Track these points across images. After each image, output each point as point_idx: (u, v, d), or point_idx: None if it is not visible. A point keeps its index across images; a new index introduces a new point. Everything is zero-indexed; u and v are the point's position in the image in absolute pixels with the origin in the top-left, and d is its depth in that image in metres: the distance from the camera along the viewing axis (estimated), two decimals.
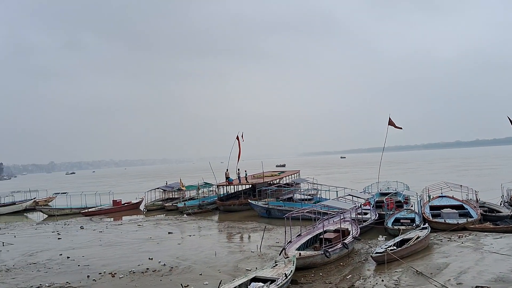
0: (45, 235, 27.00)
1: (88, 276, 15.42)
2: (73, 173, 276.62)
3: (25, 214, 42.74)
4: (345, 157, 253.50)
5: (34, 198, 47.24)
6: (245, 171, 37.63)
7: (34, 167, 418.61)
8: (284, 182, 40.07)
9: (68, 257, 19.00)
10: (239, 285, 12.35)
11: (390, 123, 32.11)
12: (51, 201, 47.34)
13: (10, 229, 30.11)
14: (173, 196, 42.45)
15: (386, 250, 15.59)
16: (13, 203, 46.27)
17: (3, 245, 23.12)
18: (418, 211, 23.70)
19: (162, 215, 34.52)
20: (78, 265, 17.40)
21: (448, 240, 18.39)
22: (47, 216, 38.48)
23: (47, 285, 14.52)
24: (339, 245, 16.85)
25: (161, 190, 42.99)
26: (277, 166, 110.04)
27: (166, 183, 45.61)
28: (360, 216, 23.18)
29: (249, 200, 32.36)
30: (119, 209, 38.19)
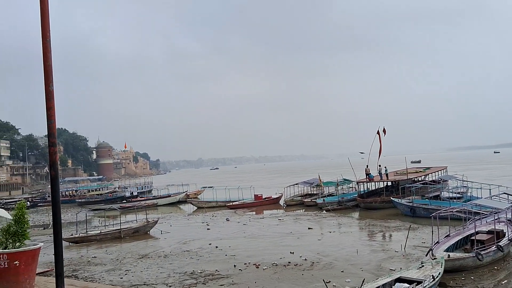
0: (195, 225, 29.28)
1: (234, 266, 16.27)
2: (217, 168, 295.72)
3: (178, 205, 46.97)
4: (499, 152, 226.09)
5: (186, 191, 51.56)
6: (385, 167, 36.29)
7: (185, 163, 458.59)
8: (430, 179, 37.69)
9: (216, 247, 20.29)
10: (382, 285, 11.92)
11: None
12: (199, 194, 51.16)
13: (166, 219, 33.28)
14: (312, 192, 42.74)
15: None
16: (169, 195, 51.21)
17: (161, 233, 25.65)
18: None
19: (301, 211, 35.02)
20: (225, 255, 18.47)
21: None
22: (196, 208, 41.71)
23: (199, 271, 15.68)
24: (493, 248, 15.30)
25: (300, 185, 43.53)
26: (412, 162, 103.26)
27: (319, 176, 45.58)
28: None
29: (391, 198, 31.12)
30: (260, 203, 39.72)
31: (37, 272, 8.01)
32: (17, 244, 7.36)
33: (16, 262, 7.12)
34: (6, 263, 7.07)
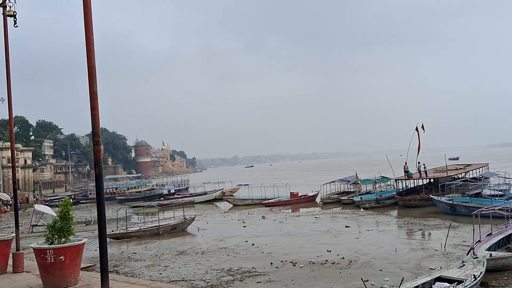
0: (232, 222, 29.52)
1: (271, 263, 16.29)
2: (252, 166, 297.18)
3: (214, 203, 47.42)
4: None
5: (222, 189, 52.00)
6: (424, 164, 35.46)
7: (220, 161, 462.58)
8: (471, 176, 36.63)
9: (252, 244, 20.39)
10: (422, 284, 11.70)
11: None
12: (235, 192, 51.43)
13: (203, 216, 33.68)
14: (349, 190, 42.27)
15: None
16: (205, 193, 51.81)
17: (198, 230, 25.99)
18: None
19: (338, 209, 34.70)
20: (262, 252, 18.54)
21: None
22: (232, 205, 41.99)
23: (236, 268, 15.81)
24: None
25: (336, 183, 43.11)
26: (449, 159, 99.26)
27: (356, 174, 44.86)
28: None
29: (431, 196, 30.42)
30: (296, 201, 39.58)
31: (81, 267, 8.29)
32: (63, 239, 7.64)
33: (62, 257, 7.40)
34: (52, 258, 7.36)
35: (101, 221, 4.47)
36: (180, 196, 54.66)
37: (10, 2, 9.53)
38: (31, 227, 28.91)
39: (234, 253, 18.80)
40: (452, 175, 35.32)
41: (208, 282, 14.13)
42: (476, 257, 13.69)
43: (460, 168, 40.16)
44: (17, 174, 11.09)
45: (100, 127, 4.80)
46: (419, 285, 11.59)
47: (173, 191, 62.01)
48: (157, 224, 26.09)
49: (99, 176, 4.53)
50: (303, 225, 26.32)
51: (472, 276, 11.66)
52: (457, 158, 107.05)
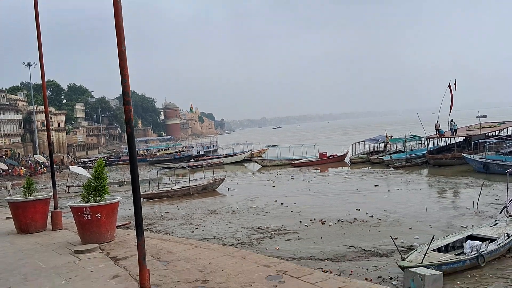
0: (261, 183, 29.83)
1: (300, 222, 16.47)
2: (279, 127, 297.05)
3: (243, 164, 47.87)
4: None
5: (251, 150, 52.29)
6: (454, 122, 34.59)
7: (249, 122, 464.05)
8: (506, 134, 35.65)
9: (282, 204, 20.61)
10: (453, 242, 11.66)
11: None
12: (264, 152, 51.67)
13: (232, 177, 34.13)
14: (378, 149, 41.87)
15: None
16: (234, 154, 52.27)
17: (228, 191, 26.39)
18: None
19: (367, 168, 34.53)
20: (291, 211, 18.73)
21: None
22: (261, 166, 42.32)
23: (266, 227, 16.07)
24: None
25: (366, 143, 42.67)
26: (477, 117, 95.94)
27: (385, 133, 44.01)
28: None
29: (463, 154, 29.86)
30: (325, 161, 39.56)
31: (116, 225, 8.58)
32: (98, 198, 7.90)
33: (98, 214, 7.68)
34: (89, 215, 7.65)
35: (135, 178, 4.55)
36: (209, 157, 55.34)
37: None
38: (67, 187, 30.02)
39: (264, 212, 19.07)
40: (485, 133, 34.45)
41: (238, 240, 14.45)
42: (509, 216, 13.48)
43: (494, 126, 39.08)
44: (51, 137, 11.36)
45: (130, 89, 4.80)
46: (450, 243, 11.55)
47: (202, 152, 62.75)
48: (188, 185, 26.60)
49: (131, 135, 4.58)
50: (332, 185, 26.39)
51: (505, 234, 11.52)
52: (484, 116, 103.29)
